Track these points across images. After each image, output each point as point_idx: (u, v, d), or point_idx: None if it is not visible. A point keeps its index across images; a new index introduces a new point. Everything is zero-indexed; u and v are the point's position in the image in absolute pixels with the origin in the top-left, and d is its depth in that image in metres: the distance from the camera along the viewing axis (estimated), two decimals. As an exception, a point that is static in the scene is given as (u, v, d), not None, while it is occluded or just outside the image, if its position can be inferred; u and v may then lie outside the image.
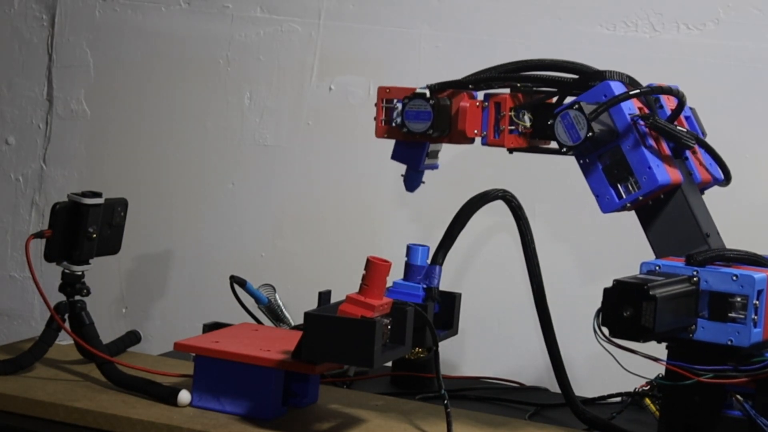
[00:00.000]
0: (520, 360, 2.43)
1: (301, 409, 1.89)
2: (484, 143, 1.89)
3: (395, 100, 1.90)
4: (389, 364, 2.25)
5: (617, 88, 1.78)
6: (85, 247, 2.02)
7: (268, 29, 2.67)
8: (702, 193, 1.87)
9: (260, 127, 2.68)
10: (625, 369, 1.72)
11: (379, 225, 2.58)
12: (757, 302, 1.62)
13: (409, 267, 1.80)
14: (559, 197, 2.43)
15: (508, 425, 1.92)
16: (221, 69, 2.71)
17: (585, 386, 2.18)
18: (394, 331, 1.71)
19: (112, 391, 1.92)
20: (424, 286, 1.79)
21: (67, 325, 2.02)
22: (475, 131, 1.88)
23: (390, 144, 1.98)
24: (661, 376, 1.75)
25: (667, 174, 1.76)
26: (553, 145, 1.82)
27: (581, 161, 1.81)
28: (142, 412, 1.81)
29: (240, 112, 2.70)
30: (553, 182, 2.42)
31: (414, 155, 1.97)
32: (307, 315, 1.67)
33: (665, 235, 1.79)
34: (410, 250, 1.80)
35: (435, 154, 2.01)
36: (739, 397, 1.68)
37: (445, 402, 1.74)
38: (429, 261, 1.80)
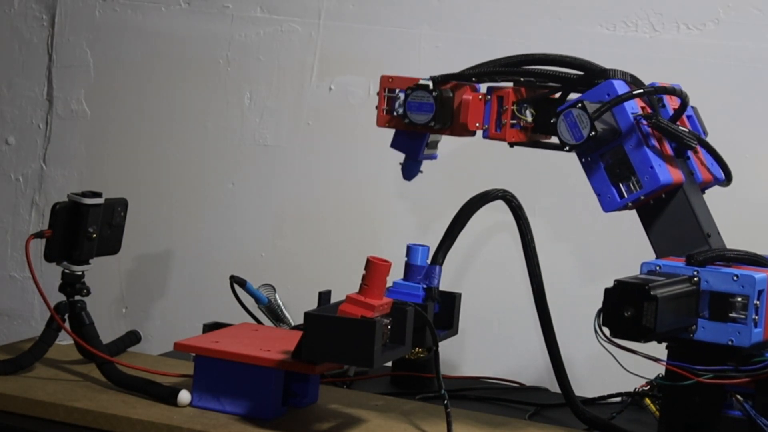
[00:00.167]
0: (520, 360, 2.43)
1: (301, 409, 1.89)
2: (485, 136, 1.88)
3: (397, 90, 1.90)
4: (389, 364, 2.25)
5: (620, 87, 1.78)
6: (85, 247, 2.02)
7: (268, 29, 2.67)
8: (703, 192, 1.87)
9: (260, 127, 2.68)
10: (625, 369, 1.72)
11: (379, 225, 2.58)
12: (758, 302, 1.63)
13: (409, 267, 1.80)
14: (559, 197, 2.43)
15: (508, 425, 1.92)
16: (221, 69, 2.71)
17: (585, 386, 2.18)
18: (394, 331, 1.71)
19: (112, 391, 1.91)
20: (424, 286, 1.79)
21: (67, 325, 2.02)
22: (477, 124, 1.87)
23: (389, 135, 1.98)
24: (661, 376, 1.75)
25: (669, 174, 1.76)
26: (554, 140, 1.82)
27: (583, 160, 1.81)
28: (142, 412, 1.81)
29: (240, 112, 2.70)
30: (553, 182, 2.42)
31: (414, 145, 1.97)
32: (307, 315, 1.67)
33: (666, 235, 1.79)
34: (410, 250, 1.80)
35: (434, 145, 2.01)
36: (739, 397, 1.68)
37: (445, 402, 1.74)
38: (429, 261, 1.80)
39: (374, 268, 1.68)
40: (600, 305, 1.61)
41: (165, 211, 2.76)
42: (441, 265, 1.80)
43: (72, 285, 2.04)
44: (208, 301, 2.67)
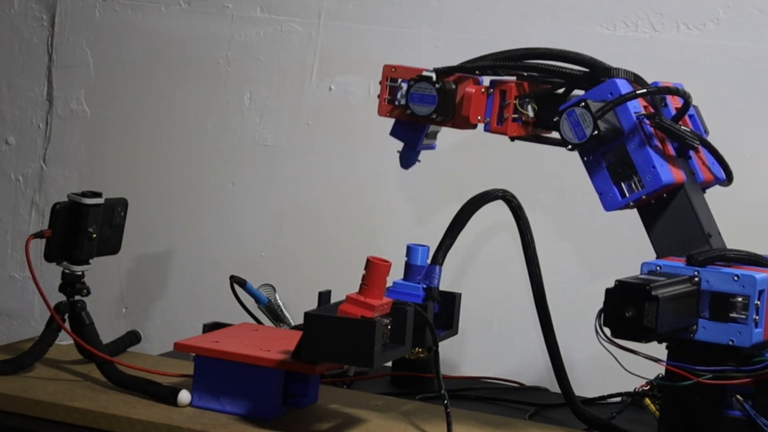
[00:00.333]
0: (520, 360, 2.43)
1: (301, 409, 1.89)
2: (486, 129, 1.88)
3: (400, 80, 1.90)
4: (389, 364, 2.25)
5: (623, 86, 1.78)
6: (85, 247, 2.02)
7: (268, 29, 2.67)
8: (703, 192, 1.87)
9: (260, 127, 2.68)
10: (625, 369, 1.72)
11: (379, 225, 2.58)
12: (759, 302, 1.63)
13: (409, 267, 1.80)
14: (559, 197, 2.43)
15: (508, 425, 1.92)
16: (221, 69, 2.71)
17: (585, 386, 2.18)
18: (394, 331, 1.71)
19: (112, 391, 1.91)
20: (424, 286, 1.79)
21: (67, 325, 2.02)
22: (479, 117, 1.87)
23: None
24: (661, 376, 1.75)
25: (671, 174, 1.76)
26: (555, 134, 1.82)
27: (585, 158, 1.81)
28: (142, 412, 1.81)
29: (240, 112, 2.70)
30: (553, 182, 2.42)
31: (413, 135, 1.96)
32: (307, 315, 1.67)
33: (667, 235, 1.79)
34: (410, 250, 1.80)
35: (434, 135, 2.01)
36: (739, 397, 1.68)
37: (445, 402, 1.74)
38: (429, 261, 1.80)
39: (374, 268, 1.68)
40: (600, 305, 1.61)
41: (165, 211, 2.75)
42: (441, 265, 1.80)
43: (72, 285, 2.04)
44: (208, 301, 2.67)
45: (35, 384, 1.92)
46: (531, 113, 1.86)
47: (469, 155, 2.47)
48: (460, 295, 1.90)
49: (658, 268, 1.68)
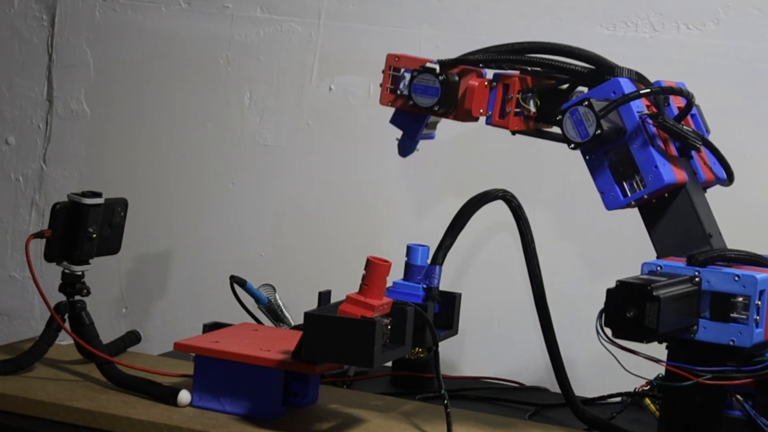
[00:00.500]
0: (520, 360, 2.43)
1: (301, 409, 1.89)
2: (488, 123, 1.88)
3: (403, 70, 1.89)
4: (389, 364, 2.25)
5: (627, 85, 1.78)
6: (85, 247, 2.02)
7: (268, 29, 2.67)
8: (704, 191, 1.87)
9: (260, 127, 2.68)
10: (626, 369, 1.72)
11: (379, 225, 2.58)
12: (759, 302, 1.62)
13: (409, 267, 1.80)
14: (559, 197, 2.43)
15: (508, 425, 1.92)
16: (221, 69, 2.71)
17: (585, 386, 2.18)
18: (394, 331, 1.71)
19: (112, 391, 1.91)
20: (424, 286, 1.78)
21: (67, 325, 2.02)
22: (481, 110, 1.87)
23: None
24: (661, 376, 1.75)
25: (673, 173, 1.76)
26: (556, 129, 1.82)
27: (587, 157, 1.81)
28: (142, 412, 1.81)
29: (240, 112, 2.70)
30: (554, 182, 2.41)
31: (414, 125, 1.96)
32: (307, 315, 1.67)
33: (668, 235, 1.79)
34: (410, 250, 1.80)
35: (433, 125, 2.00)
36: (739, 397, 1.68)
37: (445, 402, 1.74)
38: (429, 261, 1.80)
39: (374, 268, 1.68)
40: (600, 305, 1.61)
41: (165, 211, 2.75)
42: (441, 265, 1.79)
43: (72, 285, 2.04)
44: (208, 301, 2.67)
45: (35, 384, 1.92)
46: (533, 108, 1.86)
47: (470, 155, 2.47)
48: (460, 295, 1.89)
49: (658, 268, 1.67)
